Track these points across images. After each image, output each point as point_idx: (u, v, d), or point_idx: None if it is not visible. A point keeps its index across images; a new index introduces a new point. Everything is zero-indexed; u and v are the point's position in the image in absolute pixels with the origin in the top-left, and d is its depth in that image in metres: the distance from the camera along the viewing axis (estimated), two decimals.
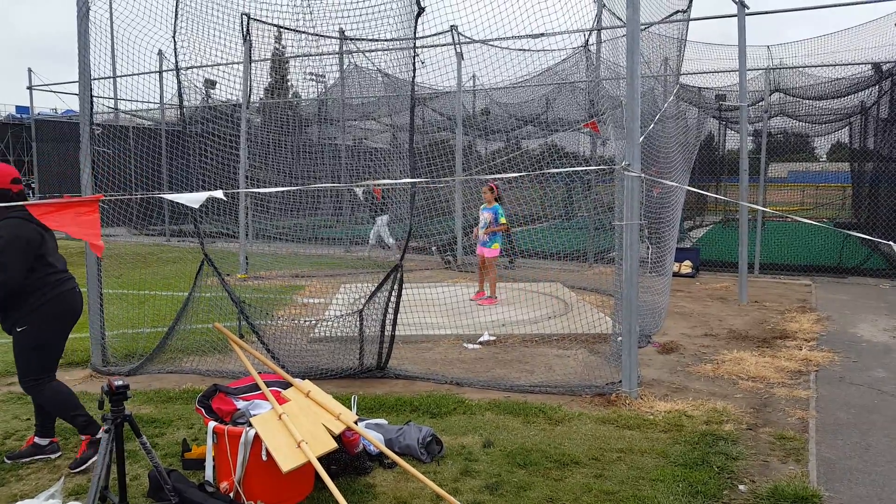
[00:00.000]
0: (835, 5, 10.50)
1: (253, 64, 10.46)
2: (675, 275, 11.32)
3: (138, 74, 8.50)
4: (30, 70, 19.13)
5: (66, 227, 3.91)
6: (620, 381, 5.64)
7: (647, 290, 7.29)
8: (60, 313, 4.33)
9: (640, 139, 5.49)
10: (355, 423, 4.11)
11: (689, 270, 12.20)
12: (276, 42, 9.51)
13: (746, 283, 9.96)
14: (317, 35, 6.87)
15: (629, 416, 5.14)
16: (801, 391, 5.77)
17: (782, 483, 4.03)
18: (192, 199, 4.28)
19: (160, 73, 15.46)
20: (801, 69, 14.50)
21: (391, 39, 6.32)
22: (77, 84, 6.42)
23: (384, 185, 7.36)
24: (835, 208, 21.90)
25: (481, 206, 9.79)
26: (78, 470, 4.24)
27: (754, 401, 5.57)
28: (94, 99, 6.47)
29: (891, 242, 5.22)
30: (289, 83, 12.86)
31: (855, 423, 5.10)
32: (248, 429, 3.78)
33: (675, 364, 6.67)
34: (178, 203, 4.32)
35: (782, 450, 4.58)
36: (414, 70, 5.86)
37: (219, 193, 4.37)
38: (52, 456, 4.47)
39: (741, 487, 4.04)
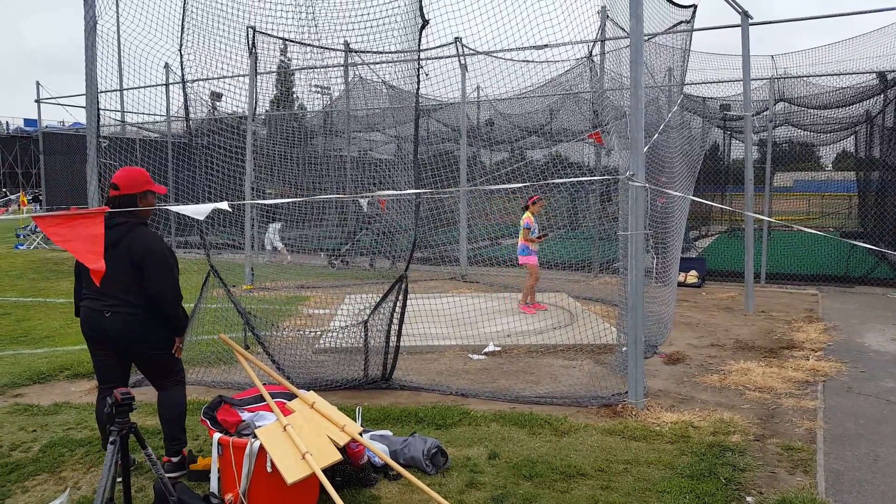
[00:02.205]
0: (838, 15, 10.51)
1: (258, 76, 10.53)
2: (681, 285, 11.29)
3: (145, 87, 8.56)
4: (38, 83, 19.23)
5: (69, 243, 3.92)
6: (626, 392, 5.62)
7: (652, 300, 7.27)
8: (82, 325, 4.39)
9: (645, 149, 5.50)
10: (360, 434, 4.11)
11: (695, 280, 12.16)
12: (281, 55, 9.56)
13: (753, 292, 9.92)
14: (322, 48, 6.91)
15: (635, 427, 5.12)
16: (809, 401, 5.73)
17: (790, 494, 4.00)
18: (198, 210, 4.29)
19: (167, 85, 15.54)
20: (805, 78, 14.50)
21: (396, 52, 6.36)
22: (84, 97, 6.48)
23: (389, 195, 7.38)
24: (841, 217, 21.82)
25: (530, 215, 9.64)
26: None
27: (761, 411, 5.53)
28: (101, 111, 6.51)
29: None
30: (294, 95, 12.93)
31: (863, 433, 5.07)
32: (253, 440, 3.78)
33: (681, 375, 6.65)
34: (184, 214, 4.33)
35: (790, 461, 4.55)
36: (418, 82, 5.89)
37: (224, 205, 4.38)
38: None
39: (749, 499, 4.01)
